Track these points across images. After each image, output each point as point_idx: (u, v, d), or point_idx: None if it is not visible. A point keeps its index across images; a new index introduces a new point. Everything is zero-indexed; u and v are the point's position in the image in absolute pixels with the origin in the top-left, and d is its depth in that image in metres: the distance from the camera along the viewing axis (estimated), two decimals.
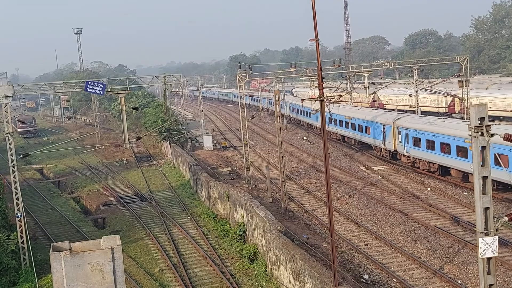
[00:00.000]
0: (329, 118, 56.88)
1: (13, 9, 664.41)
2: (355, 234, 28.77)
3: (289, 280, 23.55)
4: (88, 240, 14.98)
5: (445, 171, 37.39)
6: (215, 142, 61.83)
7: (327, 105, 20.89)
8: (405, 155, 41.73)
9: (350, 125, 51.31)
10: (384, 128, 43.99)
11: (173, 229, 34.85)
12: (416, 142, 39.23)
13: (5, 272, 27.25)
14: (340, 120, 53.03)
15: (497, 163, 27.94)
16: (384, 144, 44.63)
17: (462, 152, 33.76)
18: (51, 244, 10.69)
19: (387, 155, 45.32)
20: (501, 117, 55.90)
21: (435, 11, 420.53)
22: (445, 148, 35.74)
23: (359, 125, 49.27)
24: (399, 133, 41.61)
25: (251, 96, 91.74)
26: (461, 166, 34.27)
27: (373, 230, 28.93)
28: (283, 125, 62.26)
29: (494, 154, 26.42)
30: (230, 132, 76.73)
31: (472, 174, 32.45)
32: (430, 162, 38.61)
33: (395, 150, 43.04)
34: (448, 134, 35.52)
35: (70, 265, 10.10)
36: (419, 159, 39.79)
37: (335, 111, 45.09)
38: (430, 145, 37.51)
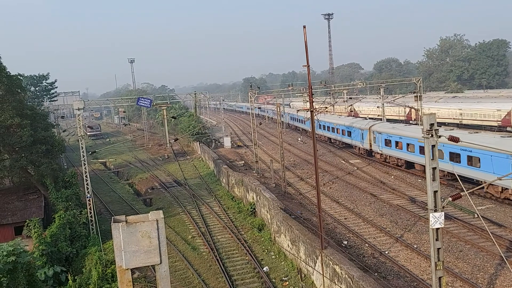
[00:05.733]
0: (291, 117, 72.12)
1: (89, 48, 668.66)
2: (337, 211, 28.68)
3: (288, 245, 23.53)
4: (139, 214, 15.06)
5: (330, 140, 53.10)
6: (232, 142, 61.78)
7: (316, 114, 20.81)
8: (319, 134, 55.44)
9: (299, 120, 66.38)
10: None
11: (202, 206, 34.93)
12: (321, 127, 54.00)
13: (78, 238, 27.50)
14: (297, 118, 67.88)
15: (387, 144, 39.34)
16: (310, 130, 56.96)
17: (337, 130, 49.34)
18: (112, 217, 10.74)
19: (310, 135, 57.64)
20: (446, 123, 55.48)
21: (397, 43, 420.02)
22: (329, 129, 52.01)
23: (301, 120, 65.20)
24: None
25: (259, 108, 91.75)
26: (335, 137, 51.12)
27: (350, 208, 28.82)
28: (283, 129, 62.23)
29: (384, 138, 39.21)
30: (244, 134, 76.53)
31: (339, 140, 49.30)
32: (326, 137, 53.58)
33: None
34: (329, 122, 51.94)
35: (126, 233, 10.14)
36: (323, 136, 54.25)
37: (301, 114, 63.17)
38: (326, 128, 52.93)
